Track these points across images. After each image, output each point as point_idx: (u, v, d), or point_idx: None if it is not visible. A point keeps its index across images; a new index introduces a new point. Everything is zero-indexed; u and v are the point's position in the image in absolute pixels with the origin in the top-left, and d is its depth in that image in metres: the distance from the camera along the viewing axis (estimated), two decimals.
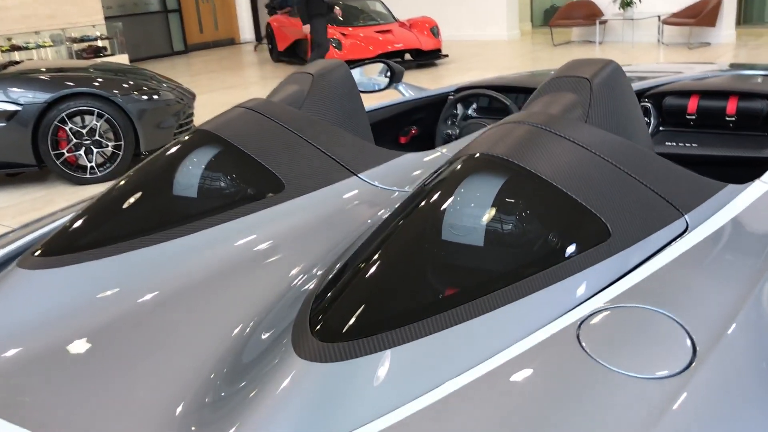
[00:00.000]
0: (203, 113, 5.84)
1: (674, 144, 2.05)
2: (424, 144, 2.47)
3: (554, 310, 0.92)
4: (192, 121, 5.08)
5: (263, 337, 0.99)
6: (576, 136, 1.15)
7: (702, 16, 8.55)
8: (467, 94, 2.35)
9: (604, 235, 1.01)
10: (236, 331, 1.03)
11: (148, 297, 1.09)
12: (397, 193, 1.39)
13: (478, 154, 1.12)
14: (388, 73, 2.51)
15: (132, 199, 1.28)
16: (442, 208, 1.05)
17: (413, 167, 1.49)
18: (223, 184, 1.31)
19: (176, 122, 4.77)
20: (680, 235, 1.08)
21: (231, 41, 13.11)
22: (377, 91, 2.52)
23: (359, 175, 1.41)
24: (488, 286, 0.92)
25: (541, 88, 1.41)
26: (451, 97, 2.42)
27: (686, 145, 2.04)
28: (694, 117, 2.11)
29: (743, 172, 1.69)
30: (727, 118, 2.06)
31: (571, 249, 0.99)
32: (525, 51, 9.74)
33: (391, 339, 0.85)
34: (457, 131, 2.33)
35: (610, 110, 1.33)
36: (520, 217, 1.03)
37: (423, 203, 1.08)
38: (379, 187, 1.40)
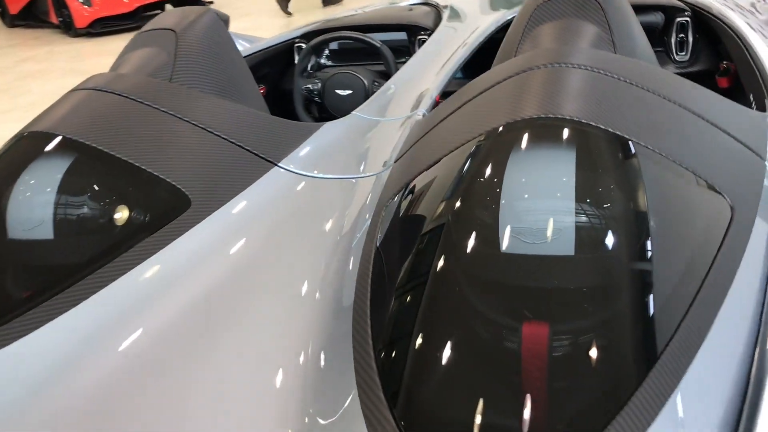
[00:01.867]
0: None
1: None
2: (280, 105, 2.06)
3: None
4: None
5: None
6: (644, 81, 0.86)
7: None
8: (324, 40, 1.95)
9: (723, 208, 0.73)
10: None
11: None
12: (350, 180, 1.03)
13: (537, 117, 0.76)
14: None
15: None
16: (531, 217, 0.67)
17: (352, 143, 1.15)
18: (96, 212, 0.88)
19: None
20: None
21: None
22: None
23: (280, 164, 1.04)
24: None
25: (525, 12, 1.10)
26: (299, 45, 2.10)
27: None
28: None
29: None
30: None
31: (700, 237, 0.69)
32: None
33: None
34: (319, 85, 1.92)
35: (626, 32, 1.08)
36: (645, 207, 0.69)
37: (474, 209, 0.71)
38: (317, 178, 1.04)
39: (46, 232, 0.86)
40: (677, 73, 1.56)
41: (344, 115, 1.26)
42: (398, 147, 1.08)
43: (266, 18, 7.47)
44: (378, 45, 1.87)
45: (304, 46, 2.08)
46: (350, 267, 0.80)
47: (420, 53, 1.69)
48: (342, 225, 0.91)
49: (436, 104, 1.33)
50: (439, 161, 0.85)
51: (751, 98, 1.21)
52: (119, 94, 1.04)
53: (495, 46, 1.29)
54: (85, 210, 0.87)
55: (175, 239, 0.85)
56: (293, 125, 1.17)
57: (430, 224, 0.75)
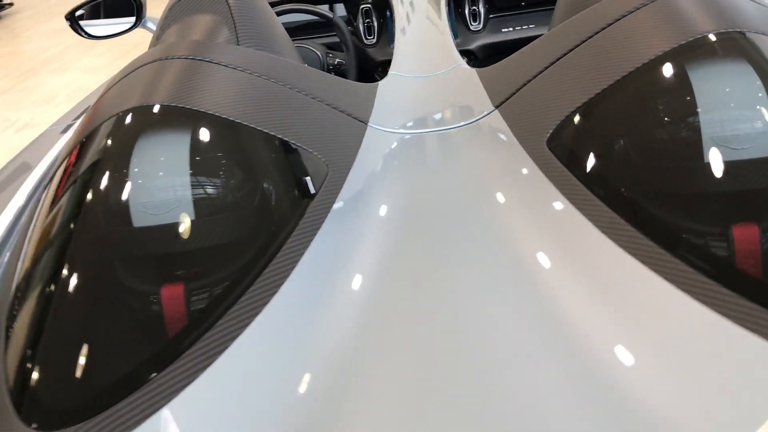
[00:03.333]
0: None
1: (511, 29, 1.89)
2: None
3: None
4: None
5: None
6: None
7: None
8: (277, 12, 1.81)
9: None
10: None
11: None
12: (408, 135, 0.98)
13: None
14: (132, 9, 1.84)
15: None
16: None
17: (416, 99, 1.11)
18: (255, 187, 0.80)
19: None
20: None
21: None
22: (119, 34, 1.86)
23: (370, 123, 1.00)
24: None
25: None
26: None
27: (522, 28, 1.89)
28: None
29: None
30: None
31: None
32: None
33: None
34: None
35: None
36: None
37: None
38: (391, 132, 0.99)
39: (212, 213, 0.76)
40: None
41: None
42: (479, 96, 1.07)
43: None
44: (331, 16, 1.78)
45: None
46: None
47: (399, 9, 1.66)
48: (471, 174, 0.89)
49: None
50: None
51: None
52: (220, 64, 0.96)
53: None
54: (246, 185, 0.81)
55: (331, 206, 0.83)
56: (356, 85, 1.12)
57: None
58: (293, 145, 0.88)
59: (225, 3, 1.15)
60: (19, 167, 1.20)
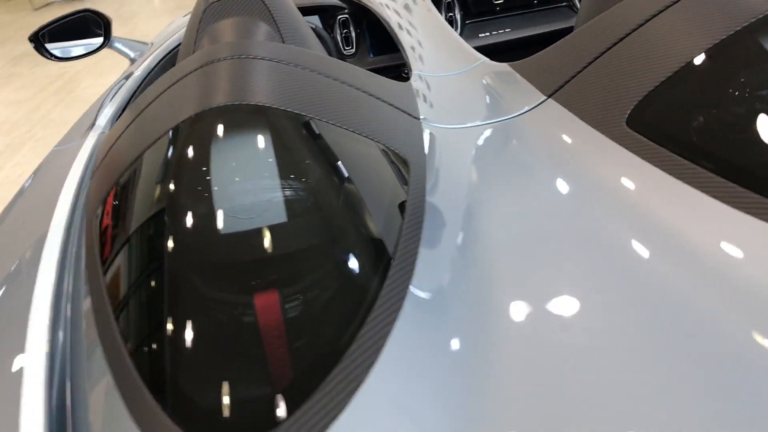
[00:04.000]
0: None
1: (487, 34, 1.94)
2: None
3: None
4: None
5: None
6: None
7: None
8: None
9: None
10: None
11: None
12: (466, 129, 0.99)
13: None
14: (100, 28, 1.77)
15: None
16: None
17: (451, 95, 1.12)
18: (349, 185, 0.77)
19: None
20: None
21: None
22: (86, 55, 1.79)
23: (422, 119, 1.01)
24: None
25: None
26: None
27: (498, 32, 1.95)
28: (500, 1, 2.05)
29: None
30: None
31: None
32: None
33: None
34: None
35: None
36: None
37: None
38: (447, 128, 1.00)
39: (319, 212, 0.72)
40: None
41: None
42: (524, 87, 1.06)
43: (155, 22, 6.78)
44: (314, 27, 1.82)
45: None
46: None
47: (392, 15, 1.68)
48: (529, 166, 0.88)
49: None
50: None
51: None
52: (279, 61, 0.94)
53: None
54: (343, 181, 0.77)
55: (424, 201, 0.80)
56: (393, 83, 1.11)
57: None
58: (373, 141, 0.85)
59: (261, 3, 1.13)
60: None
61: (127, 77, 1.60)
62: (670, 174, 0.75)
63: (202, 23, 1.11)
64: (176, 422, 0.56)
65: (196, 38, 1.11)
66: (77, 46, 1.79)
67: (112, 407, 0.60)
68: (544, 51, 1.11)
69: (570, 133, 0.91)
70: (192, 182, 0.73)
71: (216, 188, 0.71)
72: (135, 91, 1.50)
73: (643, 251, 0.67)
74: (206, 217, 0.69)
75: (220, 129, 0.79)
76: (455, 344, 0.62)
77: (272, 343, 0.59)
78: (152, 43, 1.96)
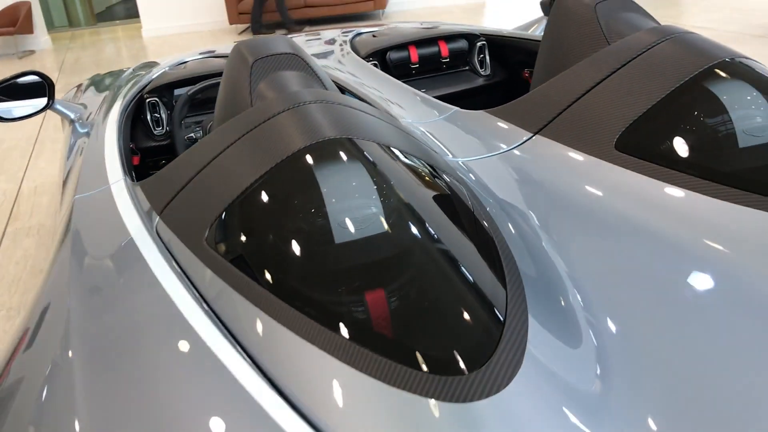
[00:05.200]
0: None
1: None
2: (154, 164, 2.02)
3: None
4: None
5: None
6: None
7: (20, 23, 8.26)
8: (204, 87, 1.93)
9: None
10: None
11: None
12: (503, 154, 1.16)
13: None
14: (46, 89, 1.79)
15: None
16: None
17: (451, 135, 1.31)
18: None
19: None
20: None
21: None
22: (30, 116, 1.77)
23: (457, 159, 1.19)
24: None
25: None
26: (150, 100, 2.04)
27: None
28: (417, 65, 2.36)
29: (466, 103, 2.15)
30: (442, 60, 2.39)
31: None
32: None
33: None
34: (201, 133, 1.92)
35: None
36: None
37: None
38: (475, 159, 1.18)
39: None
40: (484, 84, 2.36)
41: None
42: (508, 127, 1.28)
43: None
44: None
45: (156, 99, 2.05)
46: None
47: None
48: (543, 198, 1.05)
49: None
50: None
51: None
52: (343, 105, 1.09)
53: None
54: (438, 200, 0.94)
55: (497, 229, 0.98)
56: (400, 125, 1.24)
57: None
58: (440, 172, 1.00)
59: (297, 57, 1.28)
60: None
61: (87, 133, 1.63)
62: (657, 179, 0.98)
63: (253, 75, 1.23)
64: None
65: (251, 86, 1.22)
66: (21, 107, 1.76)
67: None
68: (516, 100, 1.31)
69: (563, 163, 1.10)
70: (314, 202, 0.84)
71: (330, 207, 0.83)
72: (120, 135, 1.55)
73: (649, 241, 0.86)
74: (324, 232, 0.80)
75: (338, 155, 0.91)
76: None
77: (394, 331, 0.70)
78: (85, 105, 2.05)
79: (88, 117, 1.85)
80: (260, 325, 0.74)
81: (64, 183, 1.43)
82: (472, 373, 0.66)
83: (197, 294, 0.82)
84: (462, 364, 0.67)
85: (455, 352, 0.68)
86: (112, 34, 10.19)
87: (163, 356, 0.71)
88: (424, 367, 0.66)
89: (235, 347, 0.72)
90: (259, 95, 1.17)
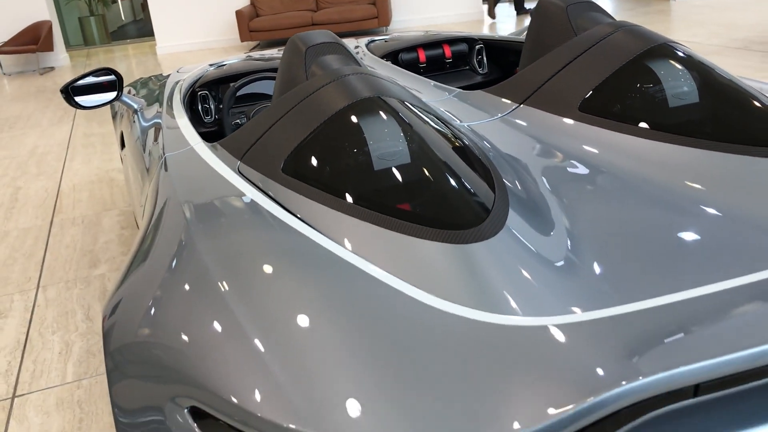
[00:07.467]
0: None
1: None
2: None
3: None
4: None
5: None
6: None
7: (42, 41, 8.84)
8: (245, 82, 2.43)
9: None
10: None
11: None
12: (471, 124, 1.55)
13: None
14: (116, 84, 2.13)
15: None
16: None
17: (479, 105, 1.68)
18: None
19: None
20: None
21: None
22: (104, 105, 2.12)
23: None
24: None
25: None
26: (201, 93, 2.49)
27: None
28: (424, 65, 2.77)
29: None
30: (446, 61, 2.79)
31: None
32: None
33: None
34: (244, 119, 2.34)
35: None
36: None
37: None
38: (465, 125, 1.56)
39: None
40: (482, 81, 2.77)
41: None
42: (499, 100, 1.66)
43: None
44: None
45: (206, 92, 2.50)
46: None
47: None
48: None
49: None
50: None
51: None
52: (377, 76, 1.44)
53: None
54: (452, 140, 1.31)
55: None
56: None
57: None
58: (448, 121, 1.40)
59: (338, 44, 1.62)
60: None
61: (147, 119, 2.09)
62: (609, 129, 1.35)
63: (307, 58, 1.57)
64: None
65: (306, 66, 1.57)
66: (94, 98, 2.12)
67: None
68: (506, 81, 1.68)
69: (543, 119, 1.48)
70: (366, 140, 1.20)
71: (374, 145, 1.19)
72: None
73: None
74: (368, 159, 1.17)
75: (373, 109, 1.27)
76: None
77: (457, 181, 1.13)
78: (143, 99, 2.44)
79: (148, 107, 2.23)
80: (324, 214, 1.10)
81: (142, 153, 1.83)
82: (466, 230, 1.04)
83: (277, 203, 1.18)
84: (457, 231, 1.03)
85: (453, 221, 1.04)
86: (124, 51, 10.61)
87: (274, 245, 1.03)
88: (435, 225, 1.03)
89: (309, 228, 1.08)
90: (312, 73, 1.52)
